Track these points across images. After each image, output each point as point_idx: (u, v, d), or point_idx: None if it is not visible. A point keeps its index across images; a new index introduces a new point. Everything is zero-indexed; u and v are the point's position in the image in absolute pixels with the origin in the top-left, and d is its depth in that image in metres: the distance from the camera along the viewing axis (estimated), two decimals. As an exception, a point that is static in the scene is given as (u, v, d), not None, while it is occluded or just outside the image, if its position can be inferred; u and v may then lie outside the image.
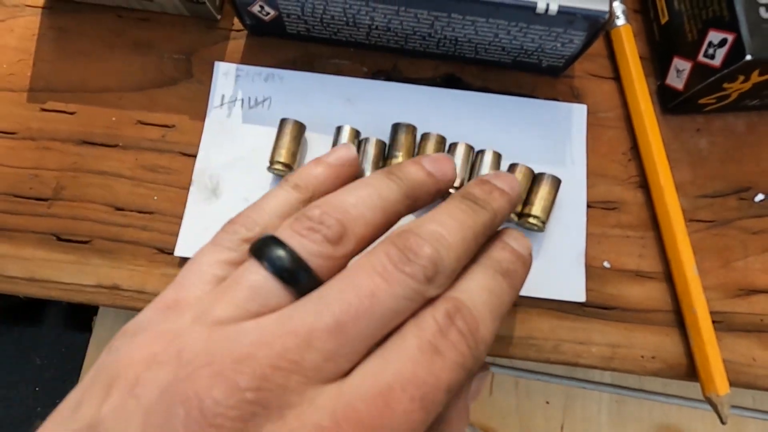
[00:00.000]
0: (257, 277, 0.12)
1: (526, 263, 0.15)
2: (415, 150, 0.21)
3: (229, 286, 0.12)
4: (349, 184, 0.14)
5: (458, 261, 0.13)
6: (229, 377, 0.10)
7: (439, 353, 0.11)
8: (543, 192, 0.20)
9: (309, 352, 0.10)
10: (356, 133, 0.21)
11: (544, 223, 0.20)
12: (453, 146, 0.21)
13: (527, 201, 0.21)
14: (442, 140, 0.21)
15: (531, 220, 0.20)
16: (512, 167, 0.21)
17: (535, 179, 0.21)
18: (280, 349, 0.10)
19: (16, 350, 0.52)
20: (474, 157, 0.21)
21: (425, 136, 0.21)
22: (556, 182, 0.21)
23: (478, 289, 0.13)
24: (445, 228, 0.13)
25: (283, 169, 0.21)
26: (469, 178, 0.21)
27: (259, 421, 0.10)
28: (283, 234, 0.12)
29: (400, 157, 0.21)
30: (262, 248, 0.12)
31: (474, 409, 0.26)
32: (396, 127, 0.21)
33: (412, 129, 0.21)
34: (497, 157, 0.21)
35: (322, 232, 0.12)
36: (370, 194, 0.14)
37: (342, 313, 0.11)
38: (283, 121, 0.21)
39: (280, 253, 0.12)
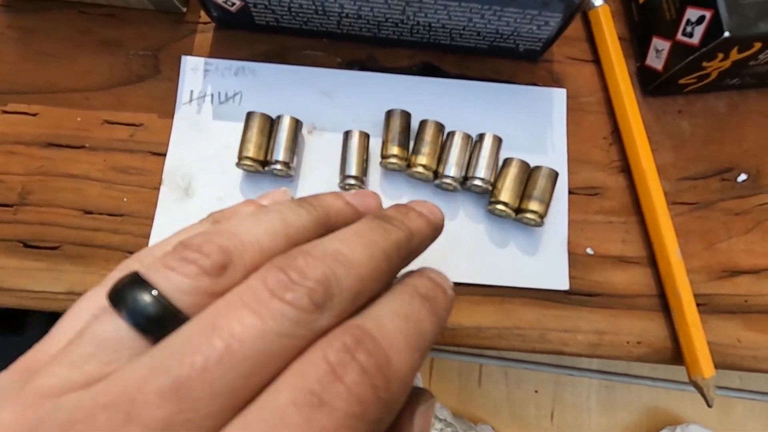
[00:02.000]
0: (108, 327, 0.09)
1: (447, 294, 0.12)
2: (411, 137, 0.21)
3: (73, 342, 0.09)
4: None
5: (362, 282, 0.10)
6: None
7: (323, 405, 0.08)
8: (541, 185, 0.20)
9: (127, 427, 0.08)
10: (297, 122, 0.20)
11: (542, 217, 0.20)
12: (450, 135, 0.20)
13: (524, 195, 0.20)
14: (440, 127, 0.20)
15: (528, 215, 0.20)
16: (507, 162, 0.20)
17: (531, 172, 0.20)
18: (85, 430, 0.08)
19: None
20: (473, 143, 0.21)
21: (423, 124, 0.20)
22: (554, 175, 0.20)
23: (390, 315, 0.10)
24: (345, 244, 0.10)
25: (252, 164, 0.20)
26: (468, 165, 0.20)
27: None
28: (151, 270, 0.10)
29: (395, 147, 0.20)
30: (122, 291, 0.10)
31: (464, 400, 0.26)
32: (390, 114, 0.21)
33: (407, 115, 0.21)
34: (497, 141, 0.20)
35: (198, 263, 0.10)
36: (270, 219, 0.11)
37: (184, 367, 0.08)
38: (249, 115, 0.20)
39: (143, 296, 0.09)
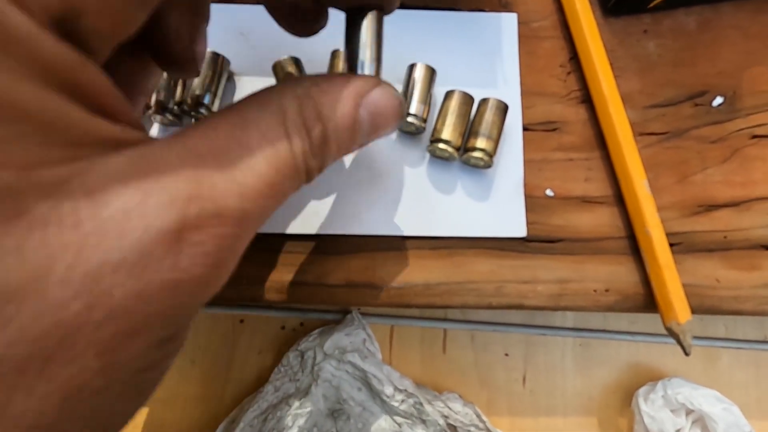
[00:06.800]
0: None
1: None
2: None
3: None
4: None
5: None
6: None
7: None
8: (487, 119, 0.17)
9: None
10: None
11: (491, 156, 0.17)
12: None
13: (470, 132, 0.18)
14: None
15: (475, 154, 0.17)
16: (448, 95, 0.18)
17: (478, 106, 0.18)
18: None
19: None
20: (405, 77, 0.18)
21: (335, 54, 0.18)
22: (502, 107, 0.18)
23: None
24: None
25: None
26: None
27: None
28: None
29: None
30: None
31: (428, 369, 0.24)
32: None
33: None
34: (430, 71, 0.18)
35: None
36: None
37: None
38: None
39: None
